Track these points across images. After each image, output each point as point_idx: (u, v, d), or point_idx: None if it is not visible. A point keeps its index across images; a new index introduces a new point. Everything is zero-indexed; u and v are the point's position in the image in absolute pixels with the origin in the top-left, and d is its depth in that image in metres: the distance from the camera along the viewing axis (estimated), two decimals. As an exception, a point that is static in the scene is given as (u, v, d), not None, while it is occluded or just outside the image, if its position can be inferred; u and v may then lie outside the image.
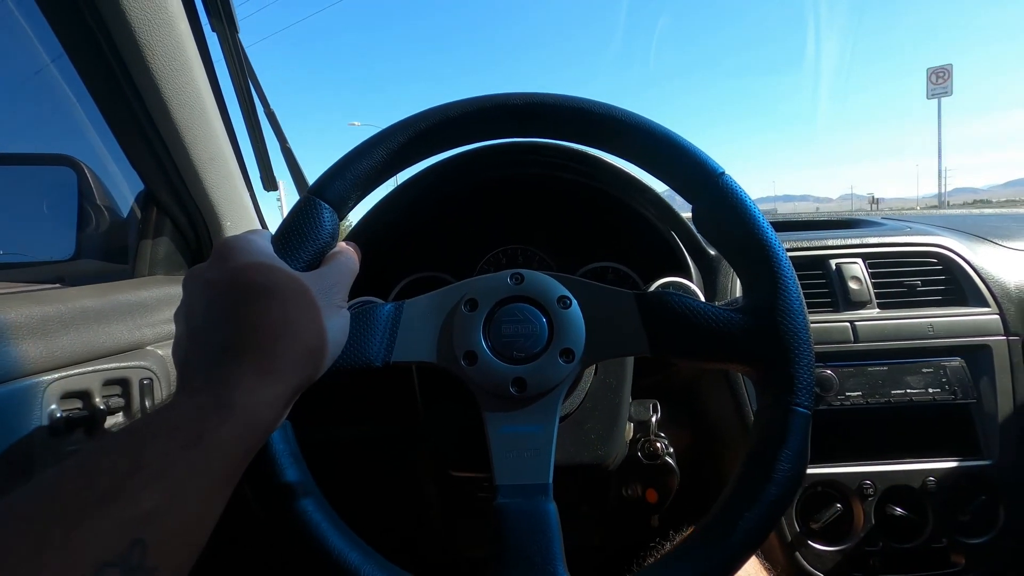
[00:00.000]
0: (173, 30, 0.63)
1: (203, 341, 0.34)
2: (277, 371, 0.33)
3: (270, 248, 0.38)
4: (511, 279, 0.43)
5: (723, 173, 0.41)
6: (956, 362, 0.71)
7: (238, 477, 0.31)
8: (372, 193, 0.46)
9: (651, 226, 0.70)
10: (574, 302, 0.42)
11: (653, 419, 0.64)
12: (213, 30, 0.72)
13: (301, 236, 0.40)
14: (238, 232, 0.84)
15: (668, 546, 0.65)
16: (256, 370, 0.32)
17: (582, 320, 0.42)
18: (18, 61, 0.71)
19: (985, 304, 0.74)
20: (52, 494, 0.25)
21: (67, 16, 0.60)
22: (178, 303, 0.37)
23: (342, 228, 0.44)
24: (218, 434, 0.29)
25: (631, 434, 0.65)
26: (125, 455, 0.26)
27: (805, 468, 0.38)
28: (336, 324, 0.38)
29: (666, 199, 0.68)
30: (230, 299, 0.34)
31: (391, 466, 0.82)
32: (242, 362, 0.32)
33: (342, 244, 0.43)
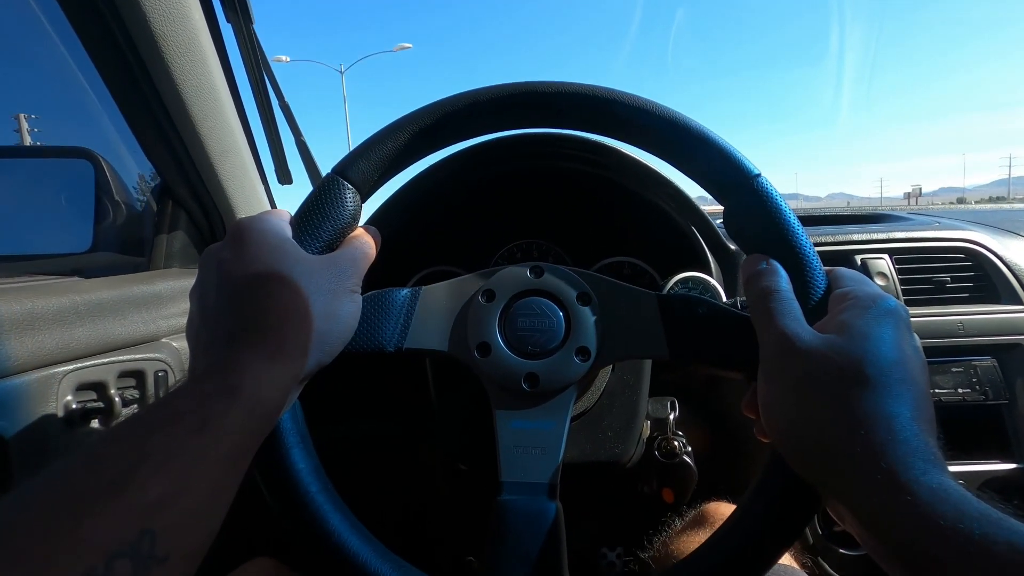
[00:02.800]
0: (188, 21, 0.63)
1: (212, 323, 0.34)
2: (284, 355, 0.33)
3: (286, 229, 0.38)
4: (531, 272, 0.42)
5: (759, 175, 0.40)
6: (987, 361, 0.69)
7: (247, 461, 0.31)
8: (392, 181, 0.45)
9: (670, 220, 0.68)
10: (594, 299, 0.41)
11: (671, 417, 0.63)
12: (228, 22, 0.72)
13: (322, 215, 0.39)
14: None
15: (678, 524, 0.64)
16: (263, 354, 0.32)
17: (600, 319, 0.41)
18: (36, 55, 0.71)
19: (1018, 301, 0.71)
20: (61, 486, 0.25)
21: (83, 8, 0.60)
22: None
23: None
24: (224, 420, 0.29)
25: (648, 432, 0.64)
26: (132, 445, 0.27)
27: None
28: (347, 309, 0.38)
29: (685, 192, 0.67)
30: (240, 282, 0.34)
31: (401, 461, 0.82)
32: (249, 346, 0.32)
33: (360, 228, 0.42)
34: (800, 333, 0.33)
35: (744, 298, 0.39)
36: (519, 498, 0.38)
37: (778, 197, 0.39)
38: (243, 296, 0.33)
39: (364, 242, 0.41)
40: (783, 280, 0.37)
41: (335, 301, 0.36)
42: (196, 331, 0.36)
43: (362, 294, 0.41)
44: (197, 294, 0.36)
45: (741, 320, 0.39)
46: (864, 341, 0.32)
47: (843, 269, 0.39)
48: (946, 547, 0.25)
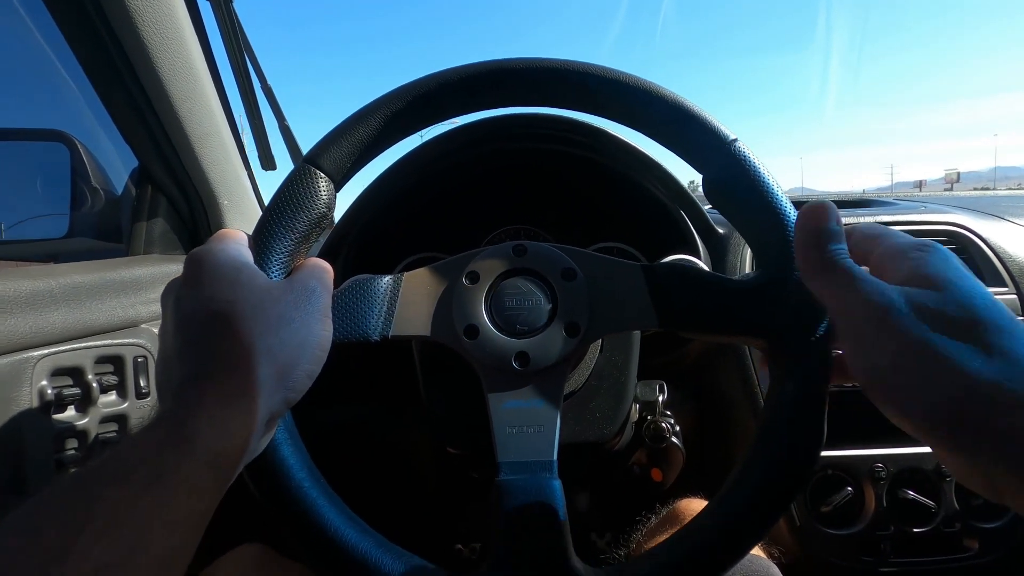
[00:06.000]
0: (164, -4, 0.61)
1: (172, 366, 0.32)
2: (245, 396, 0.30)
3: (244, 255, 0.36)
4: (513, 251, 0.41)
5: (735, 140, 0.39)
6: (972, 343, 0.69)
7: (206, 519, 0.29)
8: (366, 170, 0.44)
9: (658, 204, 0.68)
10: (579, 274, 0.40)
11: (659, 399, 0.63)
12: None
13: (296, 207, 0.38)
14: (237, 211, 0.82)
15: (652, 522, 0.64)
16: (222, 398, 0.30)
17: (587, 293, 0.40)
18: (6, 33, 0.69)
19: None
20: None
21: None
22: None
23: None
24: (177, 473, 0.27)
25: (636, 415, 0.63)
26: (77, 505, 0.24)
27: (820, 447, 0.36)
28: (318, 335, 0.35)
29: (674, 175, 0.66)
30: (197, 322, 0.32)
31: (389, 446, 0.81)
32: (206, 390, 0.30)
33: (312, 259, 0.40)
34: (894, 298, 0.30)
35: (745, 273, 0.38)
36: (520, 477, 0.37)
37: (756, 162, 0.39)
38: (200, 336, 0.31)
39: (323, 265, 0.39)
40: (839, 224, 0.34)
41: (304, 328, 0.34)
42: (160, 374, 0.34)
43: (344, 281, 0.40)
44: (160, 335, 0.35)
45: (727, 284, 0.39)
46: (960, 292, 0.29)
47: (861, 224, 0.36)
48: None
